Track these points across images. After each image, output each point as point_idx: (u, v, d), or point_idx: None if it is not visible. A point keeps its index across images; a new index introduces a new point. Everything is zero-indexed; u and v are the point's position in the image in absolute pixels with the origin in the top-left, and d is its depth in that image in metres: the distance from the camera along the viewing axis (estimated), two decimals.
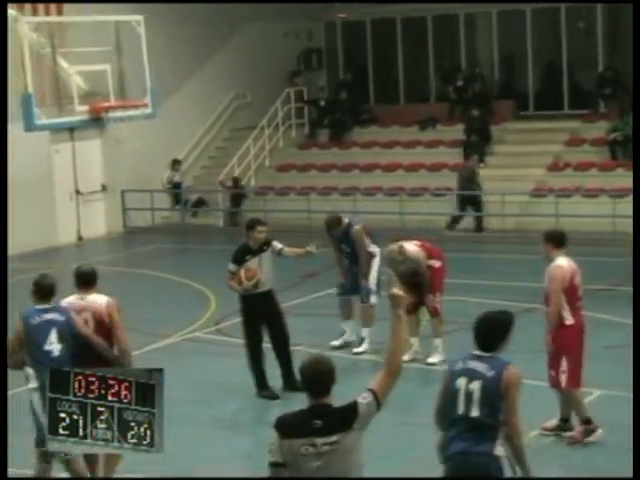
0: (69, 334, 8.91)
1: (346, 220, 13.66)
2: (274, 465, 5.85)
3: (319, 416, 5.81)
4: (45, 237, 22.97)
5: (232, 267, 11.99)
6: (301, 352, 13.41)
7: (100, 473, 8.97)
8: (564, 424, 10.34)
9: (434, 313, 13.04)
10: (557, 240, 10.14)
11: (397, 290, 6.09)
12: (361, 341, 13.57)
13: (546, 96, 27.21)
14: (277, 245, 12.28)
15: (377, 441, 9.68)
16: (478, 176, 22.77)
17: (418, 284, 12.94)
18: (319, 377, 5.88)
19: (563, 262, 10.04)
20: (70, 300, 9.17)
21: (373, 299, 13.52)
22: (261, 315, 12.11)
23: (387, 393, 5.98)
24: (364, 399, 5.90)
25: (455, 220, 22.59)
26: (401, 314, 6.06)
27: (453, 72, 27.45)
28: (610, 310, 14.52)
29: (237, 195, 25.49)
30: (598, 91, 25.11)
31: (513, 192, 22.55)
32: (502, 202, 22.29)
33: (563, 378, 10.06)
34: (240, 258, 11.99)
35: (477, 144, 24.86)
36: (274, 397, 11.85)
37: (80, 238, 24.42)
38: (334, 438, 5.79)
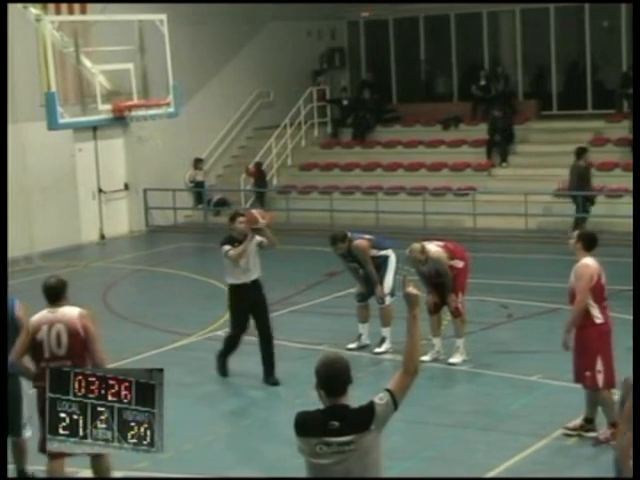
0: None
1: (348, 235, 13.62)
2: None
3: (336, 417, 5.81)
4: (68, 235, 23.07)
5: (227, 247, 12.40)
6: (324, 351, 13.47)
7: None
8: (588, 424, 10.29)
9: (456, 313, 13.01)
10: (587, 243, 10.22)
11: (412, 289, 6.05)
12: (382, 341, 13.58)
13: (570, 95, 27.20)
14: (258, 238, 12.51)
15: (397, 441, 9.73)
16: (591, 175, 22.07)
17: (440, 284, 12.96)
18: (335, 377, 5.85)
19: (590, 261, 10.13)
20: (41, 314, 8.79)
21: (388, 300, 13.56)
22: (248, 305, 12.47)
23: (404, 393, 5.96)
24: (381, 399, 5.88)
25: (579, 222, 21.78)
26: (417, 313, 6.02)
27: (475, 71, 27.43)
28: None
29: (260, 190, 25.56)
30: (622, 90, 24.99)
31: (536, 192, 22.49)
32: (525, 202, 22.22)
33: (600, 378, 10.02)
34: (227, 243, 12.50)
35: (500, 144, 24.85)
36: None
37: (103, 237, 24.53)
38: (350, 438, 5.79)
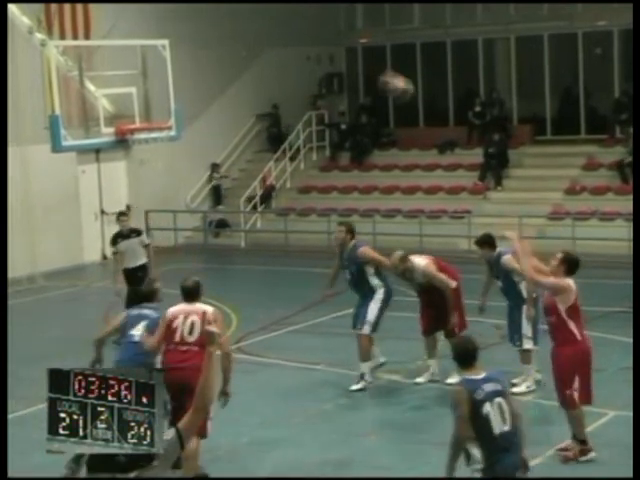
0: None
1: (354, 241, 13.16)
2: None
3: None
4: (70, 255, 23.28)
5: (112, 248, 16.16)
6: (321, 370, 13.74)
7: None
8: (578, 442, 10.31)
9: (452, 334, 12.84)
10: (570, 267, 10.17)
11: (213, 328, 6.12)
12: (361, 377, 12.80)
13: (563, 121, 27.48)
14: (145, 240, 16.10)
15: (393, 459, 9.96)
16: None
17: (435, 304, 12.92)
18: None
19: (570, 282, 10.13)
20: (177, 306, 9.94)
21: (367, 329, 12.89)
22: (135, 283, 14.98)
23: (191, 430, 5.84)
24: (166, 435, 5.70)
25: None
26: (212, 351, 5.94)
27: (471, 97, 27.77)
28: (626, 332, 14.67)
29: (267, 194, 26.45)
30: (614, 116, 25.32)
31: (530, 215, 22.79)
32: (519, 225, 22.49)
33: (576, 396, 10.07)
34: (114, 240, 16.07)
35: (495, 167, 25.17)
36: None
37: (105, 257, 24.63)
38: (134, 475, 5.63)
